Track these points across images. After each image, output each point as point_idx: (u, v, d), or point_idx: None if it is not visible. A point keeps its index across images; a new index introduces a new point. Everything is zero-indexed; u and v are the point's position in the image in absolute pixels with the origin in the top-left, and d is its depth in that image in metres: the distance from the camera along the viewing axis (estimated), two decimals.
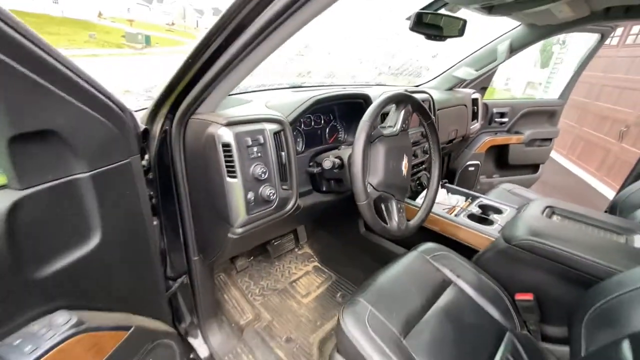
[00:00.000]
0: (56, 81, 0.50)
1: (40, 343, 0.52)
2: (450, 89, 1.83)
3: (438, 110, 1.51)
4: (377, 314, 0.78)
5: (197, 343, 1.05)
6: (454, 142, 1.72)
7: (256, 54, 0.62)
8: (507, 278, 0.97)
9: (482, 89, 2.02)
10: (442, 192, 1.40)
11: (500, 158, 2.28)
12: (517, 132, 2.22)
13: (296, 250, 1.55)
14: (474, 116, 1.83)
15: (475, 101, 1.82)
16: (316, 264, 1.51)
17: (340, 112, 1.16)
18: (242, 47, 0.60)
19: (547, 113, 2.30)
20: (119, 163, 0.63)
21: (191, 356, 1.03)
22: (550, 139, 2.31)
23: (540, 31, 1.46)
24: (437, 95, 1.56)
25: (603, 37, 1.89)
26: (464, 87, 1.90)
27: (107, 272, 0.65)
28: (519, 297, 0.93)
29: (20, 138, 0.48)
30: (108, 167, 0.61)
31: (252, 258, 1.45)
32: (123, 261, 0.68)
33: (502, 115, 2.16)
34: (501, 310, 0.89)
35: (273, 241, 1.44)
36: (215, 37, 0.61)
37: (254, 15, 0.56)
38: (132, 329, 0.67)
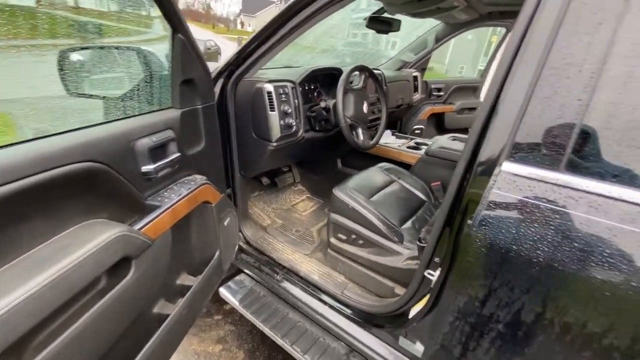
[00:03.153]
0: (197, 55, 1.04)
1: (192, 185, 1.08)
2: (399, 69, 2.49)
3: (388, 82, 2.15)
4: (353, 188, 1.40)
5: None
6: (401, 107, 2.38)
7: (288, 40, 1.19)
8: (427, 175, 1.64)
9: (422, 70, 2.70)
10: (392, 137, 2.06)
11: (438, 123, 2.99)
12: (450, 103, 2.94)
13: (293, 187, 2.15)
14: (415, 89, 2.51)
15: (415, 78, 2.49)
16: (308, 195, 2.11)
17: (323, 82, 1.76)
18: (281, 37, 1.17)
19: (472, 88, 3.04)
20: (209, 104, 1.18)
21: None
22: (475, 108, 3.06)
23: (453, 27, 2.15)
24: (387, 72, 2.21)
25: (507, 30, 2.63)
26: (409, 67, 2.57)
27: (208, 163, 1.20)
28: (433, 184, 1.60)
29: (183, 82, 1.03)
30: (207, 104, 1.16)
31: (262, 192, 2.02)
32: (213, 158, 1.23)
33: (438, 90, 2.87)
34: (423, 193, 1.55)
35: (280, 175, 2.03)
36: (266, 30, 1.18)
37: (296, 11, 1.12)
38: (222, 194, 1.23)
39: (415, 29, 2.64)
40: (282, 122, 1.29)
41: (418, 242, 1.06)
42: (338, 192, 1.35)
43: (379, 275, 1.28)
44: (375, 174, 1.57)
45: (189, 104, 1.08)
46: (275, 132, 1.29)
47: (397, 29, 1.80)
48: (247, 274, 1.63)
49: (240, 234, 1.61)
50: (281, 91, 1.28)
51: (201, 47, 1.10)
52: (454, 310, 0.79)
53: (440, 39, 2.26)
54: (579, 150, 0.62)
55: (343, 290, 1.32)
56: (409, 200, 1.47)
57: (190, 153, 1.09)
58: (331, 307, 1.30)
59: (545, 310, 0.65)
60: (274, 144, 1.32)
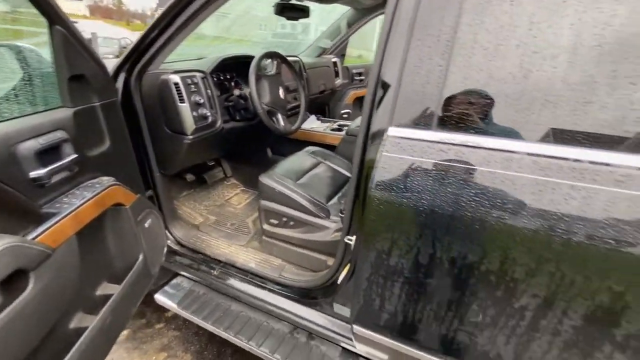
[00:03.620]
0: (83, 48, 0.96)
1: (98, 188, 1.01)
2: (319, 55, 2.56)
3: (309, 69, 2.20)
4: (280, 173, 1.43)
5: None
6: (325, 93, 2.46)
7: (190, 28, 1.16)
8: (350, 153, 1.72)
9: (342, 56, 2.81)
10: (318, 122, 2.12)
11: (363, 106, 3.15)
12: None
13: (225, 182, 2.11)
14: (336, 74, 2.60)
15: (335, 63, 2.58)
16: (242, 187, 2.09)
17: (239, 71, 1.74)
18: (182, 23, 1.13)
19: None
20: (110, 100, 1.11)
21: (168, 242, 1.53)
22: None
23: (363, 13, 2.26)
24: (307, 59, 2.26)
25: None
26: (328, 54, 2.65)
27: (117, 163, 1.13)
28: None
29: (72, 78, 0.95)
30: (107, 101, 1.09)
31: (193, 190, 1.95)
32: (123, 158, 1.16)
33: (359, 74, 3.01)
34: (348, 170, 1.64)
35: (207, 171, 1.97)
36: (164, 16, 1.13)
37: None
38: (138, 195, 1.17)
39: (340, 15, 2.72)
40: (194, 113, 1.26)
41: (340, 214, 1.13)
42: (264, 179, 1.37)
43: (312, 252, 1.33)
44: (301, 158, 1.62)
45: (84, 101, 1.00)
46: (189, 124, 1.26)
47: (307, 16, 1.84)
48: (184, 276, 1.58)
49: (170, 235, 1.55)
50: (189, 81, 1.25)
51: (116, 47, 1.03)
52: (367, 267, 0.87)
53: (351, 25, 2.36)
54: (445, 110, 0.72)
55: (280, 272, 1.35)
56: (335, 179, 1.55)
57: (93, 154, 1.02)
58: (271, 290, 1.33)
59: (437, 252, 0.75)
60: (190, 136, 1.29)
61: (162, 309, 1.80)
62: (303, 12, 1.81)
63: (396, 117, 0.76)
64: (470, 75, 0.69)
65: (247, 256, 1.46)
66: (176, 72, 1.23)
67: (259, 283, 1.36)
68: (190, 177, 1.84)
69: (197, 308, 1.42)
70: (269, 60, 1.54)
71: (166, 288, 1.55)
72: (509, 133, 0.67)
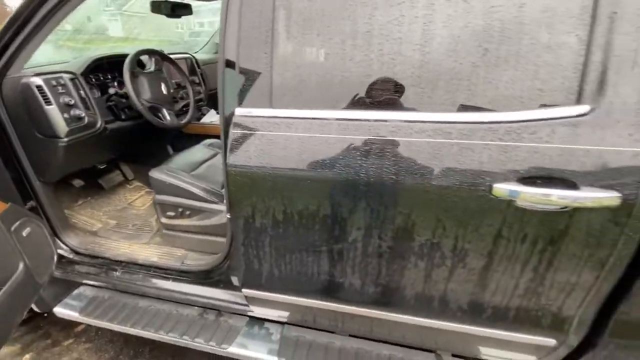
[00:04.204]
0: None
1: None
2: (216, 52, 2.59)
3: (205, 65, 2.24)
4: (171, 167, 1.47)
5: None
6: None
7: (49, 27, 1.13)
8: None
9: None
10: (217, 116, 2.18)
11: None
12: None
13: (128, 185, 2.05)
14: None
15: None
16: (147, 190, 2.06)
17: (121, 70, 1.71)
18: (39, 22, 1.10)
19: None
20: None
21: (59, 251, 1.47)
22: None
23: None
24: (202, 56, 2.28)
25: None
26: None
27: None
28: None
29: None
30: None
31: (90, 198, 1.87)
32: None
33: None
34: None
35: (102, 176, 1.90)
36: (17, 16, 1.09)
37: None
38: (9, 204, 1.12)
39: None
40: (65, 115, 1.24)
41: None
42: (155, 174, 1.40)
43: (211, 236, 1.41)
44: (197, 151, 1.67)
45: None
46: (61, 126, 1.23)
47: (189, 13, 1.88)
48: (86, 284, 1.54)
49: (63, 245, 1.49)
50: (55, 83, 1.22)
51: None
52: (240, 234, 0.99)
53: None
54: (278, 88, 0.86)
55: (183, 260, 1.41)
56: None
57: None
58: (175, 279, 1.38)
59: (287, 208, 0.90)
60: (65, 139, 1.26)
61: (70, 325, 1.72)
62: (185, 8, 1.84)
63: (240, 98, 0.88)
64: (293, 59, 0.84)
65: (149, 252, 1.48)
66: (38, 74, 1.19)
67: (163, 275, 1.40)
68: (78, 182, 1.76)
69: (101, 312, 1.41)
70: (148, 58, 1.56)
71: (66, 300, 1.50)
72: (326, 105, 0.84)
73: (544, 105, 0.72)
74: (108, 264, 1.47)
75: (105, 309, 1.42)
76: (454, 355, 1.21)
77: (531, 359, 0.99)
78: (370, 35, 0.78)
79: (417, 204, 0.80)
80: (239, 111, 0.89)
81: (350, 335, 1.30)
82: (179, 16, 1.80)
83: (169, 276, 1.39)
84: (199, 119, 2.15)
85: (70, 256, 1.48)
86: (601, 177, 0.69)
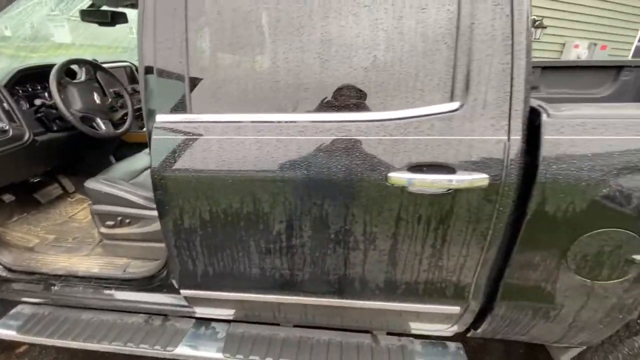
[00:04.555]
0: None
1: None
2: None
3: None
4: (108, 176, 1.46)
5: None
6: None
7: None
8: None
9: None
10: None
11: None
12: None
13: (69, 198, 1.99)
14: None
15: None
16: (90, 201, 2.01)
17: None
18: None
19: None
20: None
21: None
22: None
23: None
24: None
25: None
26: None
27: None
28: None
29: None
30: None
31: (26, 214, 1.80)
32: None
33: None
34: None
35: (38, 190, 1.83)
36: None
37: None
38: None
39: None
40: None
41: None
42: (89, 184, 1.39)
43: (152, 242, 1.43)
44: (138, 159, 1.67)
45: None
46: None
47: (123, 21, 1.86)
48: (25, 302, 1.48)
49: None
50: None
51: None
52: (171, 236, 1.03)
53: None
54: (195, 94, 0.91)
55: (125, 269, 1.41)
56: None
57: None
58: (118, 288, 1.38)
59: (212, 207, 0.96)
60: None
61: (11, 347, 1.65)
62: (120, 17, 1.83)
63: (160, 105, 0.92)
64: (207, 66, 0.90)
65: (89, 264, 1.46)
66: None
67: (105, 285, 1.39)
68: (8, 197, 1.69)
69: (40, 329, 1.38)
70: (78, 67, 1.54)
71: (3, 320, 1.45)
72: (242, 109, 0.91)
73: (424, 103, 0.84)
74: (46, 279, 1.43)
75: (45, 325, 1.39)
76: (388, 334, 1.32)
77: (445, 327, 1.12)
78: (276, 44, 0.86)
79: (328, 195, 0.89)
80: (160, 117, 0.93)
81: (295, 326, 1.37)
82: (113, 24, 1.79)
83: (111, 286, 1.38)
84: (142, 127, 2.13)
85: (4, 274, 1.43)
86: (473, 162, 0.82)
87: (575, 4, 4.90)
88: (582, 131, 0.78)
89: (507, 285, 0.96)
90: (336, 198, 0.89)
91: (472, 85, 0.80)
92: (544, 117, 0.80)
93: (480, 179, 0.81)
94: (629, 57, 5.77)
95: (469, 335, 1.18)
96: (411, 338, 1.30)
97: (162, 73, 0.91)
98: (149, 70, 0.92)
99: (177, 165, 0.92)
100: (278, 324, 1.37)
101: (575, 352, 1.15)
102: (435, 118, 0.83)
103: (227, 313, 1.30)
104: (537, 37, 4.78)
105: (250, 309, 1.24)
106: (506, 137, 0.80)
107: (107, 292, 1.38)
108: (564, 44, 5.11)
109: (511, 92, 0.80)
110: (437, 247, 0.92)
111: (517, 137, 0.80)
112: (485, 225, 0.87)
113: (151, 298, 1.36)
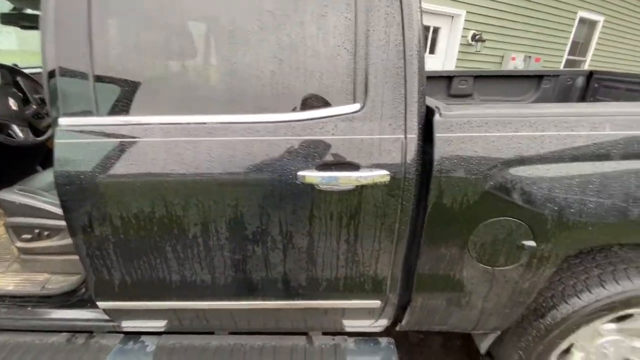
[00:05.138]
0: None
1: None
2: None
3: None
4: (30, 185, 1.37)
5: None
6: None
7: None
8: None
9: None
10: None
11: None
12: None
13: None
14: None
15: None
16: None
17: None
18: None
19: None
20: None
21: None
22: None
23: None
24: None
25: None
26: None
27: None
28: None
29: None
30: None
31: None
32: None
33: None
34: None
35: None
36: None
37: None
38: None
39: None
40: None
41: None
42: (2, 195, 1.30)
43: (74, 255, 1.35)
44: None
45: None
46: None
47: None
48: None
49: None
50: None
51: None
52: (82, 246, 0.98)
53: None
54: (100, 96, 0.89)
55: (44, 285, 1.32)
56: None
57: None
58: (35, 306, 1.28)
59: (122, 212, 0.93)
60: None
61: None
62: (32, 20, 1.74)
63: (65, 109, 0.89)
64: (111, 69, 0.89)
65: (4, 282, 1.35)
66: None
67: (20, 304, 1.29)
68: None
69: None
70: None
71: None
72: (148, 111, 0.90)
73: (329, 105, 0.88)
74: None
75: None
76: (325, 333, 1.34)
77: (371, 322, 1.16)
78: (183, 46, 0.87)
79: (241, 196, 0.90)
80: (63, 120, 0.89)
81: (232, 333, 1.34)
82: (37, 28, 1.69)
83: (28, 304, 1.29)
84: None
85: None
86: (374, 160, 0.87)
87: (512, 20, 5.37)
88: (469, 129, 0.86)
89: (420, 277, 1.01)
90: (249, 199, 0.90)
91: (370, 87, 0.86)
92: (436, 116, 0.87)
93: (381, 175, 0.86)
94: (560, 68, 6.40)
95: (397, 329, 1.23)
96: (345, 336, 1.32)
97: (65, 74, 0.88)
98: (52, 73, 0.89)
99: (81, 170, 0.88)
100: (213, 333, 1.34)
101: (492, 338, 1.23)
102: (338, 119, 0.87)
103: (157, 325, 1.25)
104: (478, 50, 5.17)
105: (180, 319, 1.21)
106: (403, 136, 0.86)
107: (24, 311, 1.28)
108: (502, 57, 5.56)
109: (405, 94, 0.86)
110: (351, 243, 0.96)
111: (413, 136, 0.87)
112: (391, 220, 0.92)
113: (73, 314, 1.28)
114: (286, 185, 0.88)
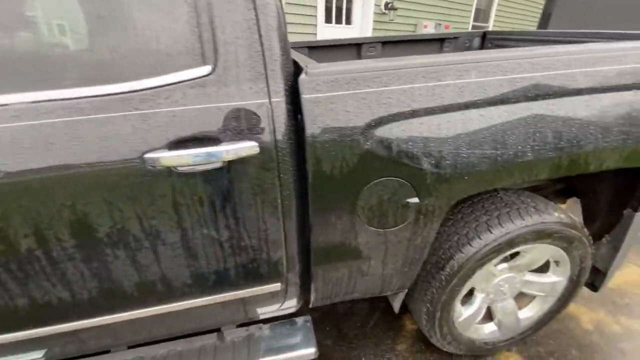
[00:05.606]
0: None
1: None
2: None
3: None
4: None
5: None
6: None
7: None
8: None
9: None
10: None
11: None
12: None
13: None
14: None
15: None
16: None
17: None
18: None
19: None
20: None
21: None
22: None
23: None
24: None
25: None
26: None
27: None
28: None
29: None
30: None
31: None
32: None
33: None
34: None
35: None
36: None
37: None
38: None
39: None
40: None
41: None
42: None
43: None
44: None
45: None
46: None
47: None
48: None
49: None
50: None
51: None
52: None
53: None
54: None
55: None
56: None
57: None
58: None
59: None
60: None
61: None
62: None
63: None
64: None
65: None
66: None
67: None
68: None
69: None
70: None
71: None
72: None
73: (173, 69, 0.73)
74: None
75: None
76: (239, 325, 1.24)
77: (277, 306, 1.09)
78: None
79: (78, 192, 0.73)
80: None
81: (132, 347, 1.18)
82: None
83: None
84: None
85: None
86: (237, 131, 0.75)
87: None
88: (337, 87, 0.78)
89: (316, 251, 0.96)
90: (88, 195, 0.73)
91: (219, 45, 0.73)
92: (302, 75, 0.77)
93: (248, 147, 0.75)
94: None
95: (310, 306, 1.18)
96: (261, 325, 1.24)
97: None
98: None
99: None
100: (108, 351, 1.17)
101: (401, 297, 1.25)
102: (187, 85, 0.73)
103: (35, 356, 1.04)
104: (392, 19, 5.26)
105: (60, 344, 1.01)
106: (267, 100, 0.76)
107: None
108: (415, 25, 5.75)
109: (263, 51, 0.75)
110: (233, 228, 0.85)
111: (279, 99, 0.77)
112: (272, 195, 0.83)
113: None
114: (134, 172, 0.73)
